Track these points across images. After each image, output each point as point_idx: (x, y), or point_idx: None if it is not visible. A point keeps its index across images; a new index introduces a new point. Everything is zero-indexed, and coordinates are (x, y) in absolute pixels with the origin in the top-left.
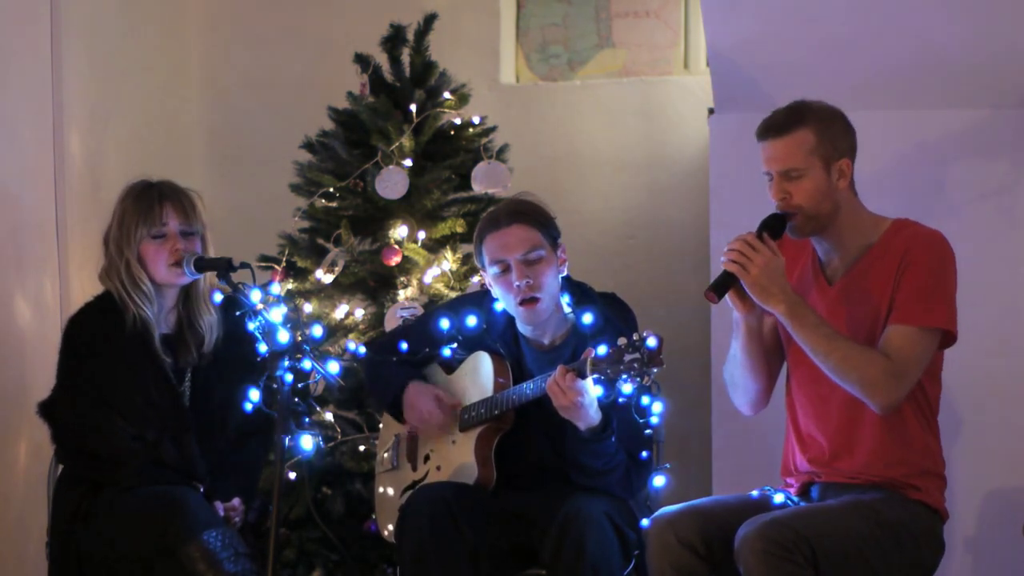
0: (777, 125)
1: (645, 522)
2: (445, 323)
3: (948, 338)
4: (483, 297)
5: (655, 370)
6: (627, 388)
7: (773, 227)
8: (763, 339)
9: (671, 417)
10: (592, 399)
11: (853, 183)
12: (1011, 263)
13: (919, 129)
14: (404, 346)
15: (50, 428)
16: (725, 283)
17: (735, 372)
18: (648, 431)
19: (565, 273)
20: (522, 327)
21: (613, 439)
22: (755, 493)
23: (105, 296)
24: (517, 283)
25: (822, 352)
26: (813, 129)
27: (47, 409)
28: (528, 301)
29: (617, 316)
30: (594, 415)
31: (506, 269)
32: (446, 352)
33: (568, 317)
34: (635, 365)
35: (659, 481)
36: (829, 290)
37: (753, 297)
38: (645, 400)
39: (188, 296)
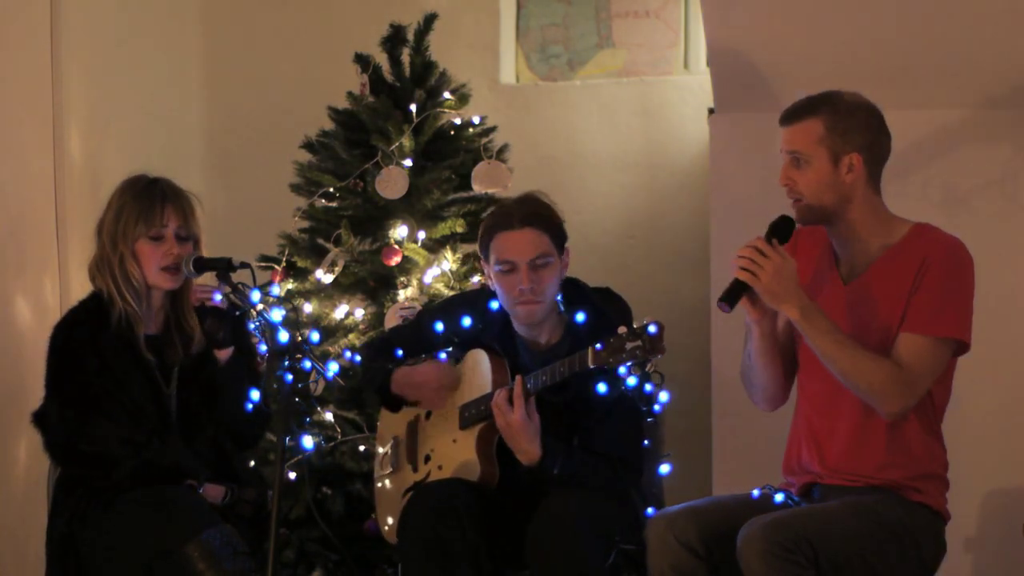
0: (790, 112)
1: (651, 510)
2: (439, 327)
3: (961, 347)
4: (477, 297)
5: (658, 357)
6: (631, 380)
7: (782, 229)
8: (778, 339)
9: (671, 417)
10: (534, 431)
11: (874, 180)
12: (1010, 262)
13: (919, 129)
14: (400, 352)
15: (42, 436)
16: (737, 291)
17: (751, 375)
18: (650, 419)
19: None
20: (517, 326)
21: (556, 471)
22: (755, 493)
23: (89, 300)
24: (521, 287)
25: (833, 358)
26: (824, 120)
27: (40, 418)
28: (527, 302)
29: (610, 310)
30: (531, 447)
31: (512, 270)
32: (442, 356)
33: (563, 316)
34: (637, 353)
35: (663, 468)
36: (843, 288)
37: (767, 303)
38: (647, 387)
39: (177, 296)
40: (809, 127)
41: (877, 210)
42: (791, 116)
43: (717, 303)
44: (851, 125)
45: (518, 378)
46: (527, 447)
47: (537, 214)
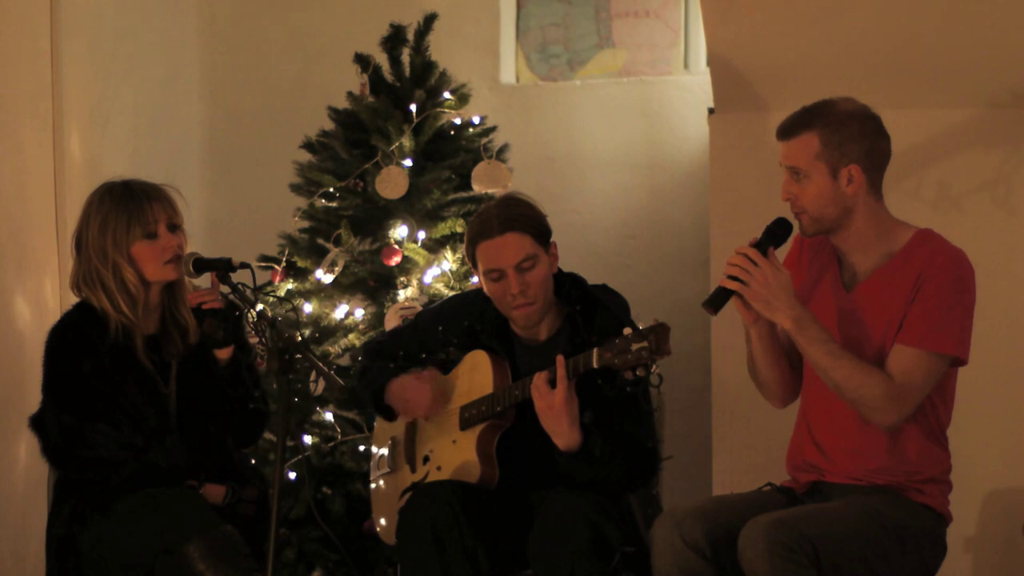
0: (785, 127)
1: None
2: (438, 328)
3: (957, 361)
4: (475, 297)
5: (660, 358)
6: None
7: (778, 235)
8: (778, 340)
9: (671, 417)
10: (575, 414)
11: (875, 188)
12: (1006, 264)
13: (919, 129)
14: (400, 354)
15: (40, 441)
16: (721, 297)
17: (757, 375)
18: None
19: (557, 268)
20: (515, 326)
21: (598, 454)
22: (760, 492)
23: (83, 305)
24: (512, 292)
25: (825, 368)
26: (818, 134)
27: (37, 423)
28: (521, 306)
29: (608, 302)
30: (572, 431)
31: (500, 277)
32: (441, 356)
33: (560, 310)
34: (643, 354)
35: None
36: (845, 295)
37: (760, 311)
38: (651, 389)
39: (171, 290)
40: (805, 142)
41: (880, 217)
42: (787, 131)
43: (702, 305)
44: (846, 136)
45: (559, 358)
46: (567, 430)
47: (516, 217)
